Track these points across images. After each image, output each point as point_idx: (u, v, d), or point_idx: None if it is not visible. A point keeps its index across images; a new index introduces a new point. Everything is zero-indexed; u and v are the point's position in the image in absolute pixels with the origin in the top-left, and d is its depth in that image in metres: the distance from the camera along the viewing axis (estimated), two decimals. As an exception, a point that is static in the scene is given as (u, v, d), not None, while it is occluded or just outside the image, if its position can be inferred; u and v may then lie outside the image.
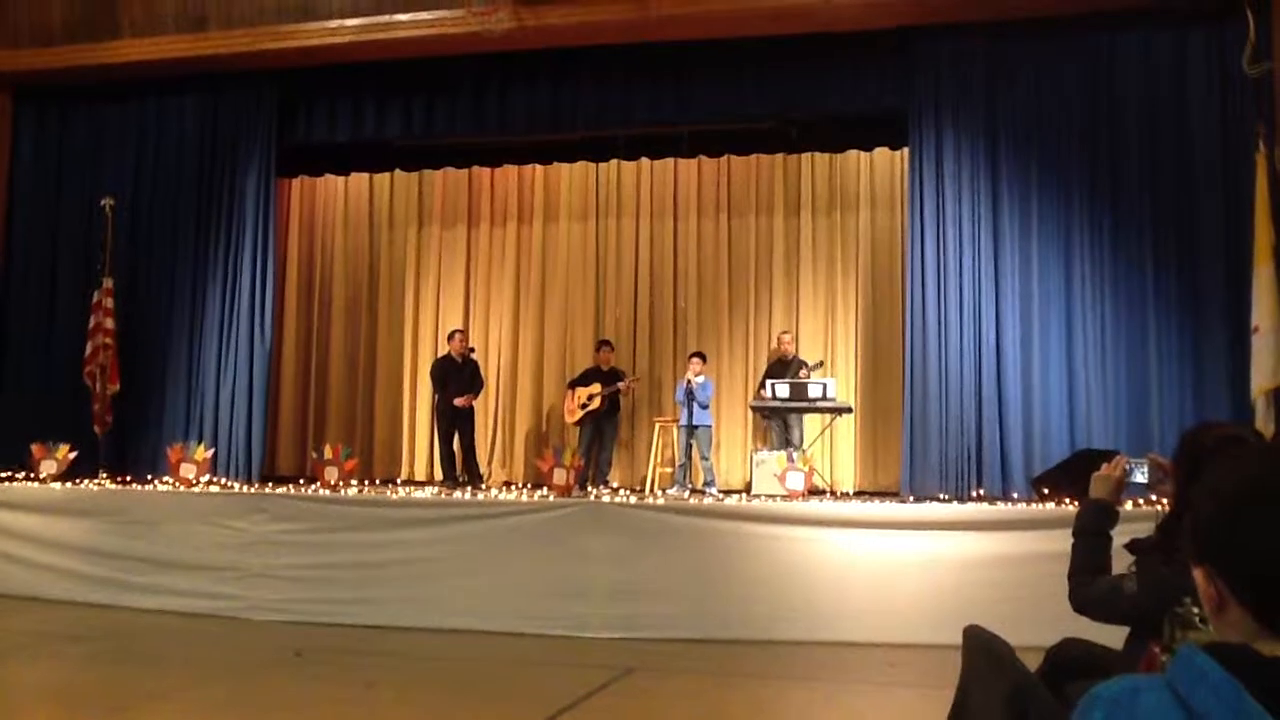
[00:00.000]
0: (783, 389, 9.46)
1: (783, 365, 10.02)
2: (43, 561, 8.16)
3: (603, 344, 10.62)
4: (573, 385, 10.48)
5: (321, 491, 8.32)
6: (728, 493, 9.41)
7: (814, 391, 9.40)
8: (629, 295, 11.39)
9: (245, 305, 9.92)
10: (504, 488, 9.94)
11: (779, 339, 10.30)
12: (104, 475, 9.19)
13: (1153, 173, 8.29)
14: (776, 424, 9.95)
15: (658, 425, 10.51)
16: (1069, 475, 7.01)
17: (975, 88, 8.66)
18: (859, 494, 9.92)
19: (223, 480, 9.23)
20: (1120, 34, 8.40)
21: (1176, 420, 7.70)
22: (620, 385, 10.27)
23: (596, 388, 10.23)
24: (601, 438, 10.36)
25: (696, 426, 9.55)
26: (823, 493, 9.27)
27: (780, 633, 6.86)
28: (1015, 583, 6.48)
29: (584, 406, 10.24)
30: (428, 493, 8.67)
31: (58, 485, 8.62)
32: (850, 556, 7.01)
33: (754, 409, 9.94)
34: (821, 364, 10.17)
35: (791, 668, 6.32)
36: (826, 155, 10.84)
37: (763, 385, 9.98)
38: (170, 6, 9.64)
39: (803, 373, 9.80)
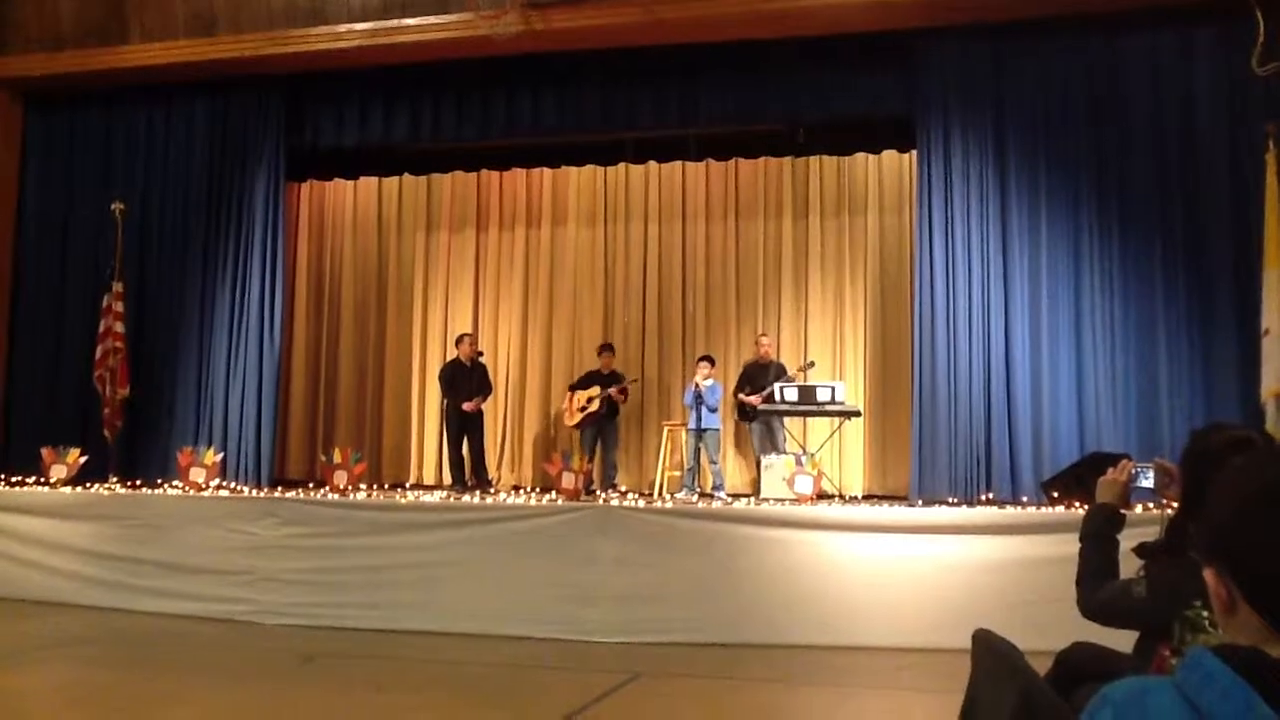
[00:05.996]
0: (791, 392, 9.46)
1: (760, 369, 9.99)
2: (54, 566, 8.18)
3: (604, 347, 10.62)
4: (574, 388, 10.49)
5: (331, 495, 8.34)
6: (736, 496, 9.41)
7: (823, 395, 9.39)
8: (637, 299, 11.40)
9: (255, 309, 9.96)
10: (513, 491, 9.95)
11: (757, 341, 10.25)
12: (114, 479, 9.21)
13: (1161, 173, 8.28)
14: (759, 427, 9.91)
15: (666, 429, 10.52)
16: (1079, 479, 6.97)
17: (982, 89, 8.66)
18: (868, 498, 9.90)
19: (232, 484, 9.26)
20: (1127, 34, 8.38)
21: (1186, 423, 7.67)
22: (613, 390, 10.27)
23: (596, 391, 10.24)
24: (604, 441, 10.36)
25: (705, 430, 9.55)
26: (831, 497, 9.26)
27: (788, 636, 6.85)
28: (1024, 586, 6.46)
29: (583, 409, 10.25)
30: (437, 497, 8.67)
31: (68, 489, 8.65)
32: (859, 560, 7.00)
33: (761, 413, 9.89)
34: (813, 364, 10.15)
35: (800, 671, 6.31)
36: (834, 158, 10.84)
37: (739, 389, 10.03)
38: (179, 11, 9.67)
39: (797, 374, 9.82)
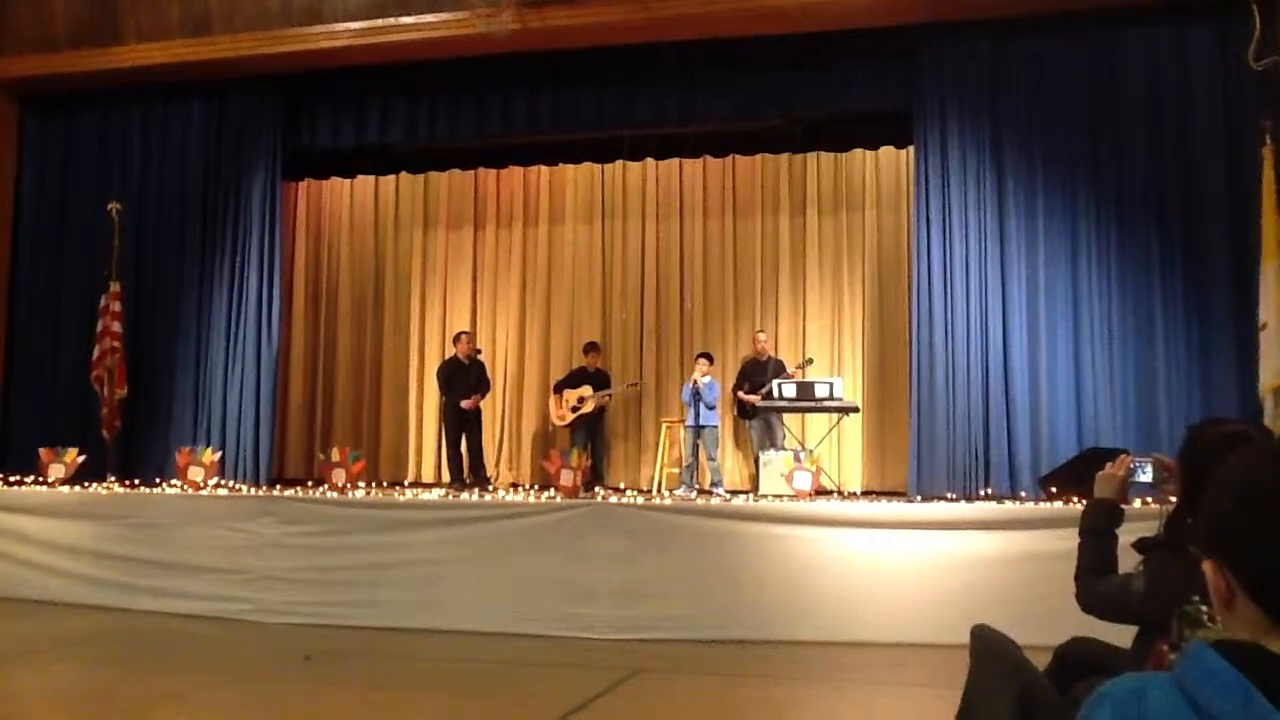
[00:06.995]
0: (789, 389, 9.45)
1: (758, 366, 10.01)
2: (52, 565, 8.18)
3: (590, 346, 10.63)
4: (559, 387, 10.48)
5: (329, 494, 8.33)
6: (735, 493, 9.41)
7: (821, 391, 9.39)
8: (635, 296, 11.39)
9: (252, 308, 9.95)
10: (511, 489, 9.94)
11: (755, 339, 10.27)
12: (112, 479, 9.21)
13: (1158, 168, 8.28)
14: (758, 424, 9.93)
15: (664, 426, 10.51)
16: (1077, 474, 7.01)
17: (980, 85, 8.65)
18: (866, 494, 9.92)
19: (231, 483, 9.25)
20: (1124, 29, 8.38)
21: (1184, 417, 7.66)
22: (607, 394, 10.27)
23: (587, 390, 10.24)
24: (594, 441, 10.34)
25: (703, 427, 9.55)
26: (830, 493, 9.26)
27: (788, 633, 6.85)
28: (1023, 582, 6.47)
29: (575, 409, 10.25)
30: (435, 495, 8.67)
31: (66, 489, 8.65)
32: (858, 556, 7.00)
33: (760, 410, 9.89)
34: (811, 360, 10.16)
35: (799, 668, 6.31)
36: (832, 154, 10.83)
37: (737, 386, 10.06)
38: (175, 11, 9.66)
39: (795, 371, 9.83)
